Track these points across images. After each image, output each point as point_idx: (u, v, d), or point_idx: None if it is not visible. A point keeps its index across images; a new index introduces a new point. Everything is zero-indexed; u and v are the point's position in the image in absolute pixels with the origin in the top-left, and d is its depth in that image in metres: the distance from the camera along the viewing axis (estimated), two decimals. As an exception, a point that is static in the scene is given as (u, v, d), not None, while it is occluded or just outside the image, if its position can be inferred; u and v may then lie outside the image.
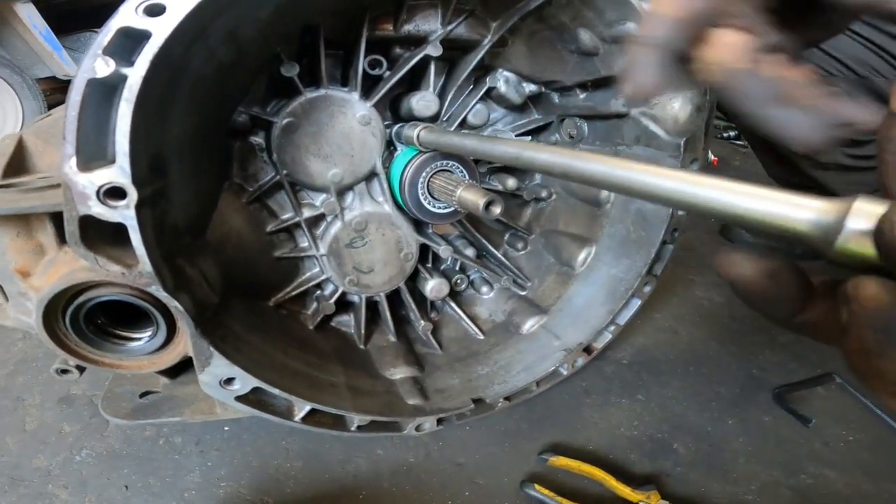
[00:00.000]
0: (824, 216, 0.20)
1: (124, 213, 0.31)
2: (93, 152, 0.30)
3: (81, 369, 0.51)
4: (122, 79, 0.30)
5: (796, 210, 0.21)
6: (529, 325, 0.73)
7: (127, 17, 0.31)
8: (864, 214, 0.17)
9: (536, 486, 0.61)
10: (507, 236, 0.79)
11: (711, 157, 1.75)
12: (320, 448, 0.70)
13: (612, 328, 0.70)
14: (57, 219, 0.37)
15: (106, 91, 0.30)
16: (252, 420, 0.72)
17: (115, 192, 0.31)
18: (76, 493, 0.65)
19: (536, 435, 0.71)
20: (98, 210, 0.31)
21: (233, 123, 0.53)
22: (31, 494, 0.65)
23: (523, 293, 0.76)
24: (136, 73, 0.30)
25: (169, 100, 0.34)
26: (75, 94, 0.28)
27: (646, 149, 0.63)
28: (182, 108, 0.36)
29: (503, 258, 0.76)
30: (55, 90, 2.73)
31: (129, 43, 0.31)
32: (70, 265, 0.36)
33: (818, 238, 0.20)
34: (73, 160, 0.29)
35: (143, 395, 0.57)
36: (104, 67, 0.29)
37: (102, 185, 0.31)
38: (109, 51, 0.30)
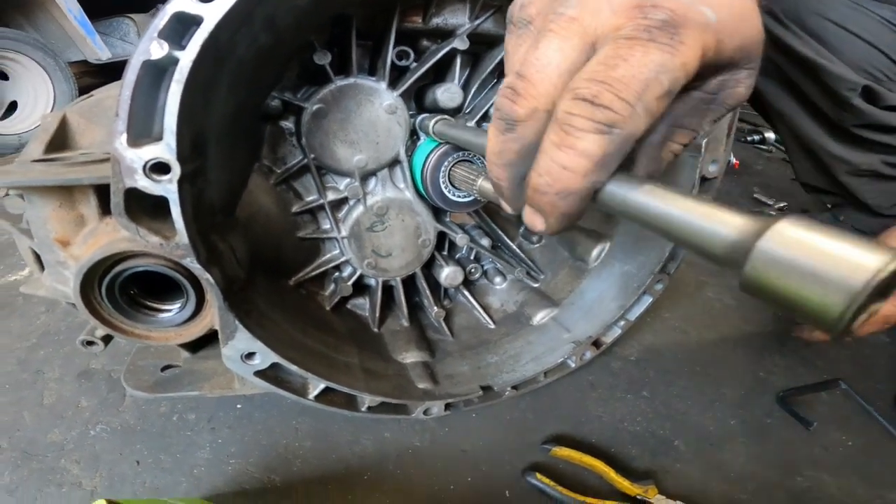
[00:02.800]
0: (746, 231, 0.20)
1: (167, 188, 0.33)
2: (142, 129, 0.32)
3: (107, 341, 0.54)
4: (174, 61, 0.32)
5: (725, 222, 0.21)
6: (540, 316, 0.74)
7: (181, 2, 0.32)
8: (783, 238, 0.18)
9: (538, 475, 0.63)
10: (522, 229, 0.80)
11: (733, 159, 1.74)
12: (329, 429, 0.71)
13: (622, 323, 0.71)
14: (100, 191, 0.39)
15: (157, 72, 0.32)
16: (264, 399, 0.75)
17: (160, 168, 0.33)
18: (88, 467, 0.66)
19: (541, 425, 0.72)
20: (143, 183, 0.33)
21: (266, 108, 0.55)
22: (43, 469, 0.67)
23: (536, 285, 0.78)
24: (187, 56, 0.32)
25: (213, 83, 0.35)
26: (130, 74, 0.30)
27: None
28: (223, 91, 0.38)
29: (518, 250, 0.77)
30: (84, 73, 2.79)
31: (181, 27, 0.33)
32: (110, 236, 0.38)
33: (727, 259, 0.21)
34: (124, 136, 0.31)
35: (164, 368, 0.59)
36: (158, 50, 0.31)
37: (149, 160, 0.32)
38: (164, 34, 0.32)
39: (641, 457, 0.69)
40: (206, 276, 0.37)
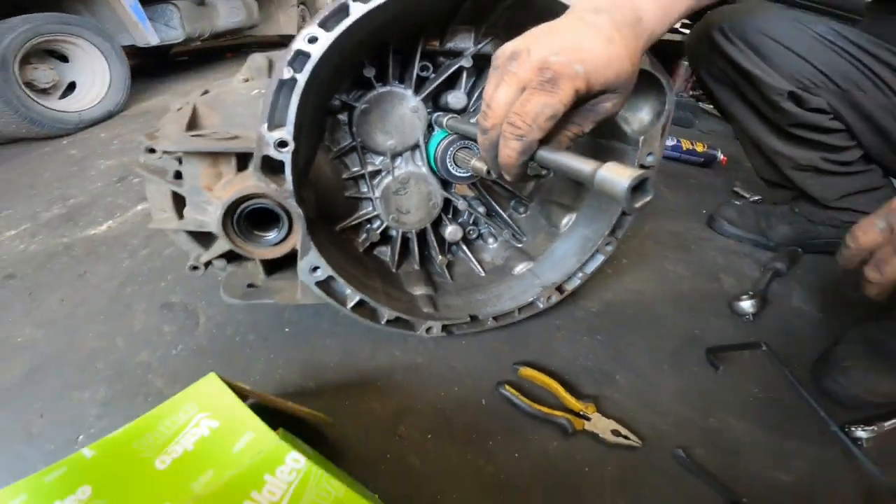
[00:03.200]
0: (594, 169, 0.41)
1: (285, 156, 0.55)
2: (274, 120, 0.54)
3: (206, 266, 0.76)
4: (294, 80, 0.53)
5: (586, 166, 0.43)
6: (520, 268, 0.89)
7: (299, 43, 0.53)
8: (607, 171, 0.39)
9: (507, 388, 0.74)
10: (512, 202, 0.96)
11: (721, 156, 1.82)
12: (352, 348, 0.83)
13: (580, 275, 0.85)
14: (238, 156, 0.62)
15: (284, 86, 0.54)
16: (306, 325, 0.87)
17: (283, 143, 0.55)
18: (169, 382, 0.76)
19: (514, 353, 0.83)
20: (272, 153, 0.55)
21: (329, 106, 0.74)
22: (133, 384, 0.76)
23: (519, 245, 0.95)
24: (302, 77, 0.53)
25: (309, 92, 0.54)
26: (272, 86, 0.52)
27: (616, 142, 0.78)
28: (312, 97, 0.58)
29: (507, 218, 0.94)
30: (131, 55, 2.96)
31: (299, 59, 0.53)
32: (242, 184, 0.59)
33: (590, 179, 0.42)
34: (266, 124, 0.53)
35: (249, 286, 0.74)
36: (288, 73, 0.52)
37: (277, 138, 0.54)
38: (290, 63, 0.53)
39: (588, 384, 0.79)
40: (298, 211, 0.59)
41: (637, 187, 0.39)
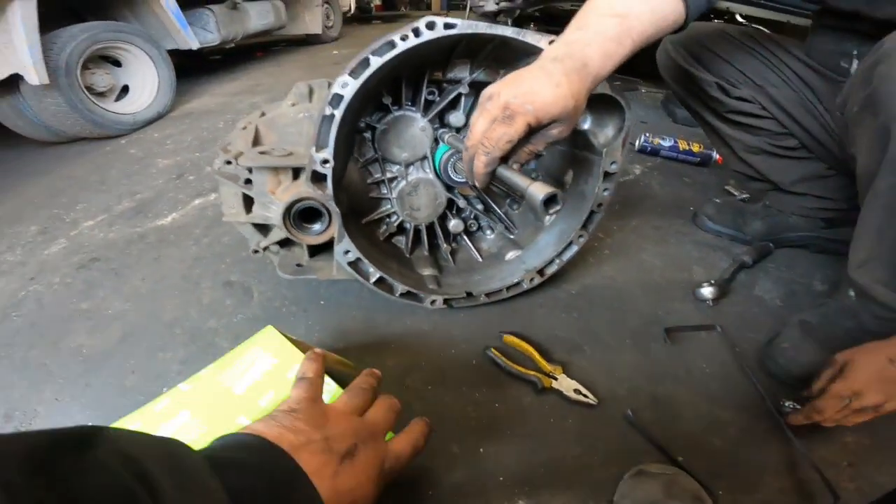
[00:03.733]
0: (526, 185, 0.60)
1: (327, 170, 0.76)
2: (320, 144, 0.75)
3: (265, 250, 0.98)
4: (333, 116, 0.73)
5: (522, 183, 0.62)
6: (510, 255, 1.02)
7: (336, 88, 0.73)
8: (533, 187, 0.59)
9: (493, 350, 0.85)
10: (508, 200, 1.08)
11: (717, 155, 1.89)
12: (373, 317, 0.96)
13: (557, 261, 0.98)
14: (294, 170, 0.82)
15: (325, 120, 0.74)
16: (337, 300, 1.01)
17: (325, 161, 0.75)
18: (232, 342, 0.86)
19: (502, 324, 0.95)
20: (318, 168, 0.75)
21: (357, 127, 0.88)
22: (204, 345, 0.88)
23: (511, 236, 1.07)
24: (338, 113, 0.73)
25: (344, 122, 0.72)
26: (318, 121, 0.73)
27: (587, 153, 0.91)
28: (345, 124, 0.76)
29: (503, 214, 1.06)
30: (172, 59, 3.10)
31: (335, 99, 0.74)
32: (297, 189, 0.79)
33: (524, 192, 0.61)
34: (314, 147, 0.74)
35: (297, 265, 0.91)
36: (329, 110, 0.73)
37: (322, 158, 0.75)
38: (330, 103, 0.74)
39: (560, 352, 0.90)
40: (336, 210, 0.78)
41: (550, 200, 0.59)
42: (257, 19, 3.42)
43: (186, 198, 1.57)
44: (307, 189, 0.77)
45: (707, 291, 1.08)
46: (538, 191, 0.58)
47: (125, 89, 2.37)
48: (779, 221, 1.33)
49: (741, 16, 2.50)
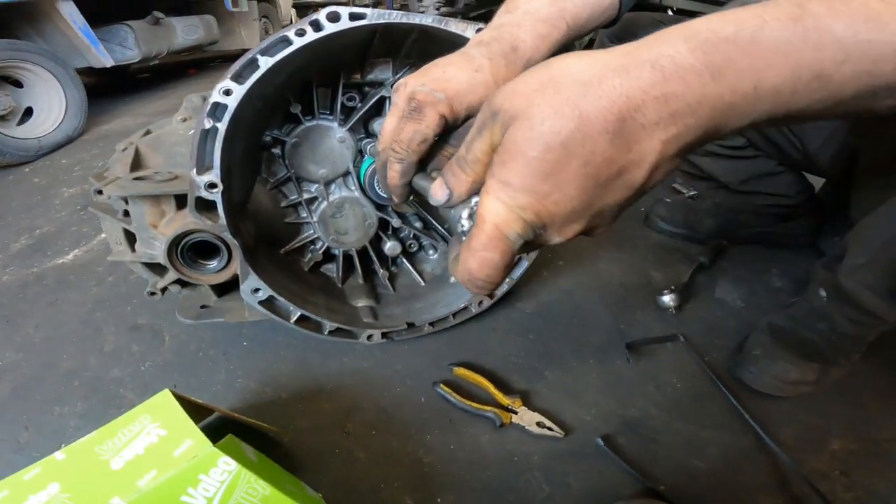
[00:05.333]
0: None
1: (215, 196, 0.62)
2: (202, 164, 0.61)
3: (163, 292, 0.82)
4: (216, 129, 0.60)
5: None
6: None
7: (216, 96, 0.60)
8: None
9: (442, 386, 0.80)
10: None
11: None
12: (305, 356, 0.89)
13: (507, 280, 0.91)
14: (176, 196, 0.68)
15: (207, 134, 0.61)
16: (263, 339, 0.93)
17: (212, 185, 0.62)
18: (140, 393, 0.82)
19: (451, 355, 0.89)
20: (203, 193, 0.62)
21: (262, 142, 0.79)
22: (107, 397, 0.82)
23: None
24: (222, 126, 0.60)
25: (234, 136, 0.61)
26: (196, 136, 0.59)
27: None
28: (239, 139, 0.64)
29: (445, 231, 0.98)
30: (87, 75, 2.93)
31: (217, 109, 0.61)
32: (183, 220, 0.66)
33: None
34: (195, 169, 0.60)
35: (202, 307, 0.82)
36: (208, 123, 0.60)
37: (206, 181, 0.61)
38: (209, 114, 0.60)
39: (519, 381, 0.84)
40: (234, 242, 0.66)
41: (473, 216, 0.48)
42: (184, 35, 3.22)
43: (91, 231, 1.42)
44: (194, 221, 0.63)
45: (668, 299, 1.04)
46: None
47: (28, 112, 2.19)
48: (730, 219, 1.31)
49: (673, 10, 2.53)
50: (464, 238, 0.38)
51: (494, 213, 0.33)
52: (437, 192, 0.40)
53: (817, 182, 1.28)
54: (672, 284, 1.09)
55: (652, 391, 0.84)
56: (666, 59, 0.28)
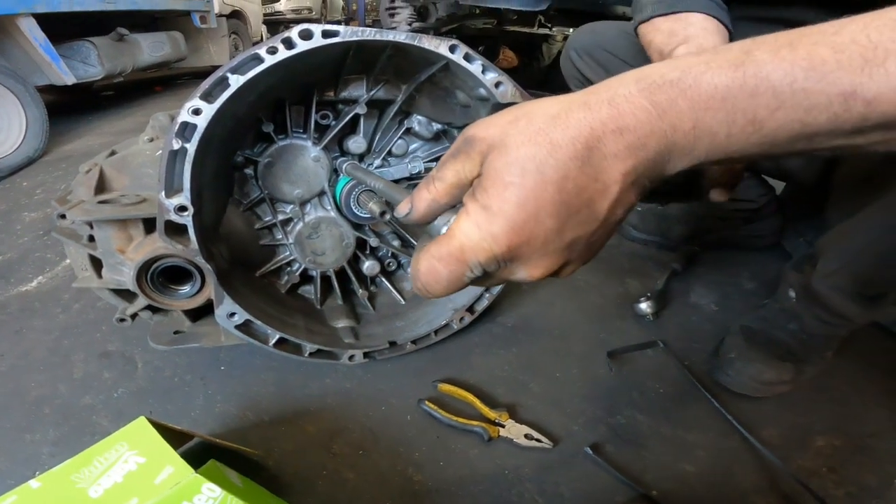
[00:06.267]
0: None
1: (186, 219, 0.60)
2: (171, 187, 0.58)
3: (133, 318, 0.79)
4: (185, 150, 0.58)
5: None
6: None
7: (184, 115, 0.57)
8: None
9: (427, 403, 0.79)
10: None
11: None
12: (286, 378, 0.87)
13: (487, 296, 0.91)
14: (145, 220, 0.65)
15: (177, 156, 0.58)
16: (241, 363, 0.90)
17: (182, 208, 0.59)
18: (114, 420, 0.79)
19: (435, 372, 0.88)
20: (173, 217, 0.59)
21: (234, 162, 0.77)
22: (80, 425, 0.79)
23: None
24: (191, 147, 0.57)
25: (204, 156, 0.59)
26: (164, 158, 0.57)
27: None
28: (210, 159, 0.62)
29: None
30: (49, 93, 2.83)
31: (186, 129, 0.58)
32: (152, 245, 0.63)
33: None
34: (163, 192, 0.58)
35: (175, 332, 0.79)
36: (177, 144, 0.57)
37: (176, 204, 0.59)
38: (178, 134, 0.58)
39: (504, 394, 0.84)
40: (207, 266, 0.63)
41: None
42: (150, 52, 3.16)
43: (55, 257, 1.35)
44: (164, 245, 0.60)
45: (645, 306, 1.06)
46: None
47: (-14, 132, 2.07)
48: (700, 224, 1.36)
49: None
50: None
51: (465, 235, 0.33)
52: (402, 206, 0.40)
53: (778, 185, 1.35)
54: (648, 292, 1.11)
55: (636, 398, 0.84)
56: (620, 97, 0.31)
